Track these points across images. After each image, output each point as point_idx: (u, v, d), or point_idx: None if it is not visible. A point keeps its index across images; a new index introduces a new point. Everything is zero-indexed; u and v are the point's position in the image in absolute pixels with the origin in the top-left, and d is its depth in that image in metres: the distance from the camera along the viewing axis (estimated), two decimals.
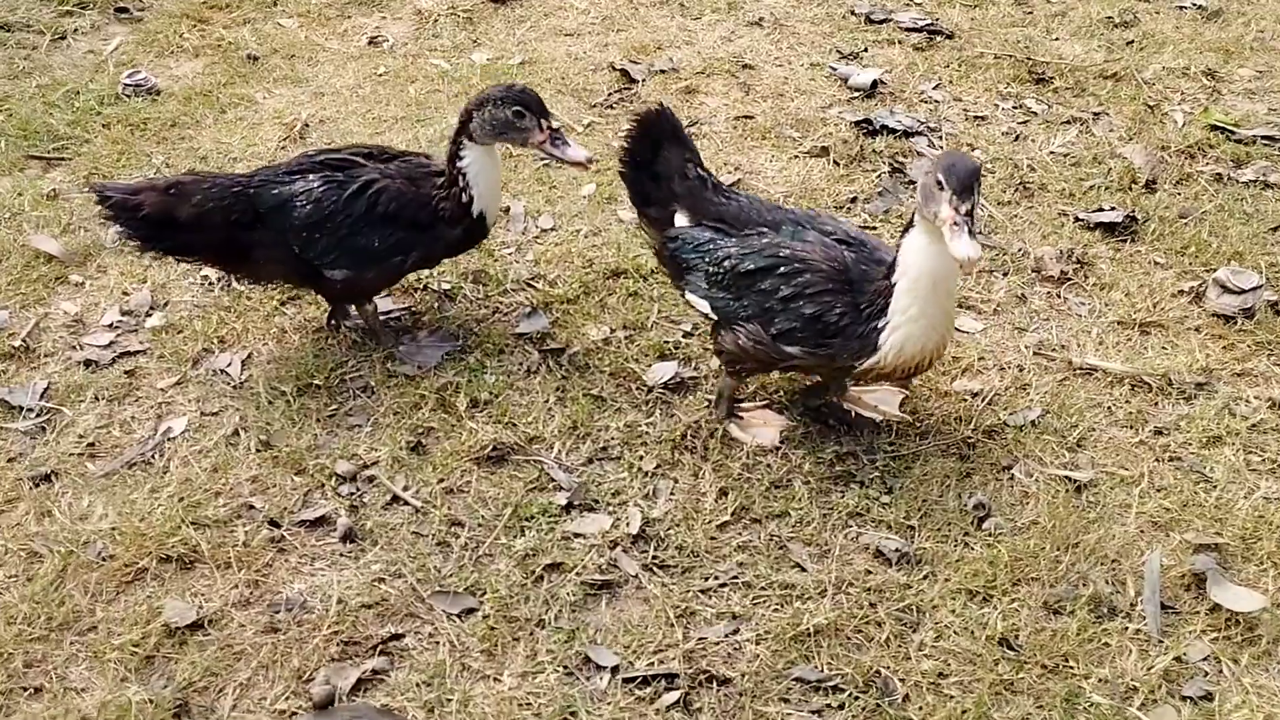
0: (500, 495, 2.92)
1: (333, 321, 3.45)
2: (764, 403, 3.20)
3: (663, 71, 4.86)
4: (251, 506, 2.89)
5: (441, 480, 2.95)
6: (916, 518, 2.88)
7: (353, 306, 3.40)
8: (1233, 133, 4.41)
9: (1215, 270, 3.66)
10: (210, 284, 3.63)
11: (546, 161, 4.12)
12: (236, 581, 2.70)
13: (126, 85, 4.75)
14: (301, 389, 3.22)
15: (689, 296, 3.07)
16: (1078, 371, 3.34)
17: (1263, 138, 4.39)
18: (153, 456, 3.04)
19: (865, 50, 5.01)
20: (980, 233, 2.72)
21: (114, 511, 2.86)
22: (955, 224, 2.56)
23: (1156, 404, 3.25)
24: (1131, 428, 3.17)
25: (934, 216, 2.61)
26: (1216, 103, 4.65)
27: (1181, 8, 5.43)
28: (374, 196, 3.14)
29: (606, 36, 5.14)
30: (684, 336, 3.43)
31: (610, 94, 4.69)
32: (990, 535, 2.83)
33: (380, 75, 4.85)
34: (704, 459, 3.03)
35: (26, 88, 4.72)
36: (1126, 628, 2.61)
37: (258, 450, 3.04)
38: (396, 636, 2.58)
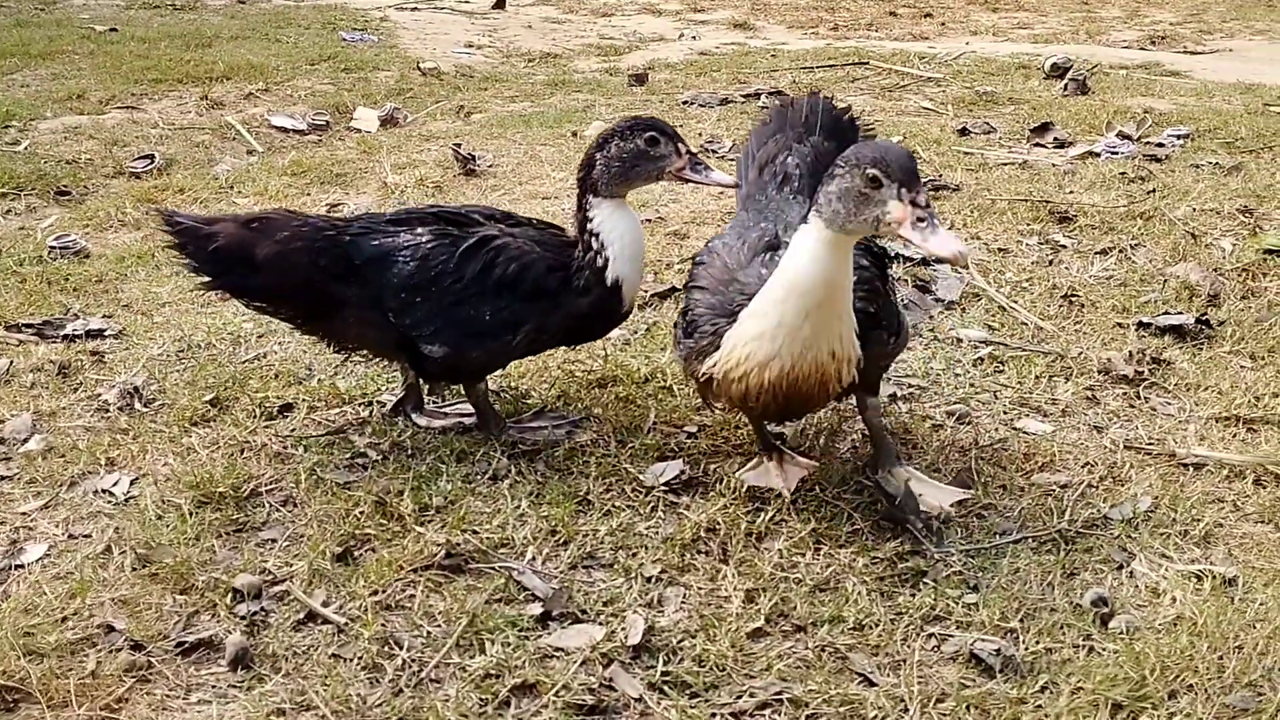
0: (453, 609, 2.16)
1: (402, 410, 2.87)
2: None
3: (649, 220, 4.42)
4: (111, 629, 2.11)
5: (375, 594, 2.20)
6: (1016, 619, 2.13)
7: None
8: None
9: None
10: (107, 408, 2.97)
11: None
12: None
13: (53, 248, 4.26)
14: (202, 502, 2.51)
15: None
16: (1184, 464, 2.67)
17: None
18: None
19: None
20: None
21: None
22: (920, 221, 2.05)
23: None
24: (1269, 522, 2.47)
25: (874, 223, 2.09)
26: (1261, 235, 4.21)
27: (1197, 166, 5.12)
28: (490, 255, 2.61)
29: None
30: (688, 437, 2.76)
31: None
32: (1124, 635, 2.07)
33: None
34: (724, 560, 2.29)
35: None
36: None
37: (132, 569, 2.29)
38: None
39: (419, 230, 2.67)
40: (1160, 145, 5.47)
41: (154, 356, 3.28)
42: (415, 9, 10.67)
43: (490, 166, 5.27)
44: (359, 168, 5.40)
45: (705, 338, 2.36)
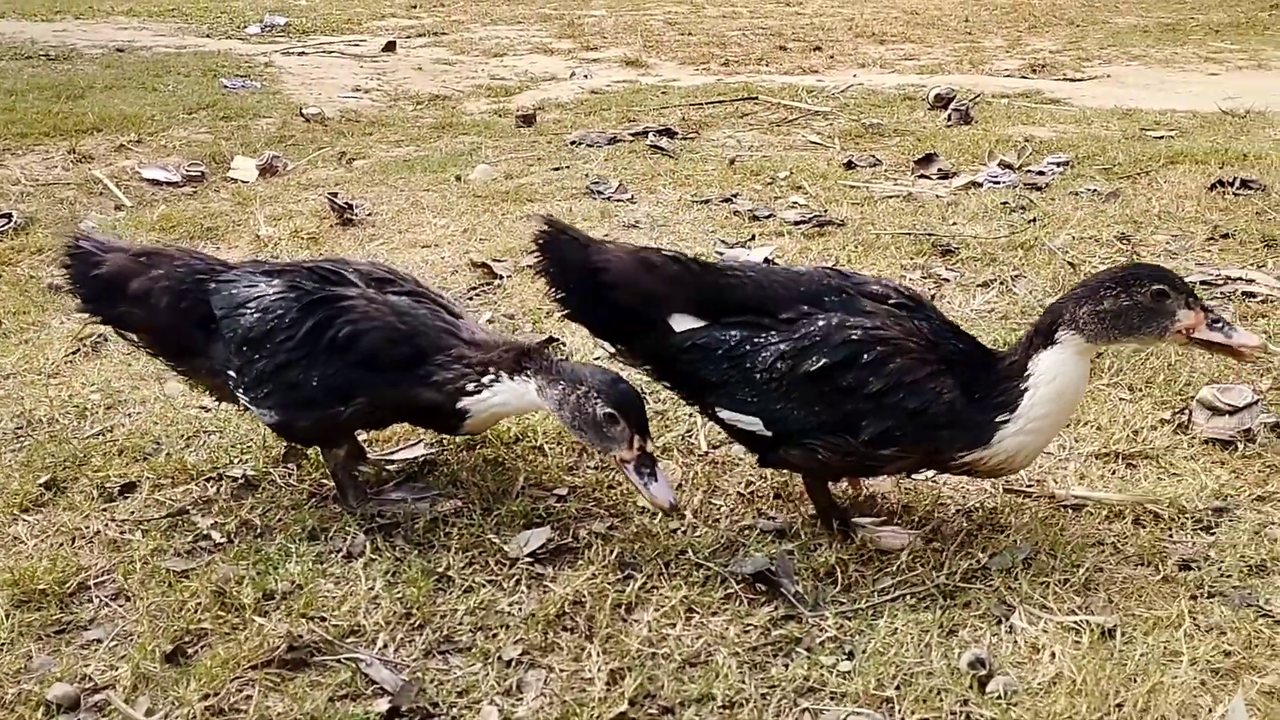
0: (292, 710, 1.99)
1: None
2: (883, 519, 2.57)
3: (531, 267, 4.28)
4: None
5: (206, 697, 2.02)
6: (892, 686, 2.02)
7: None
8: None
9: (1194, 396, 3.04)
10: None
11: None
12: None
13: None
14: (20, 603, 2.30)
15: (725, 415, 2.38)
16: (1063, 506, 2.62)
17: (1201, 283, 3.94)
18: None
19: (753, 239, 4.56)
20: None
21: None
22: (1216, 321, 2.23)
23: (1172, 535, 2.51)
24: (1149, 564, 2.41)
25: (1159, 333, 2.26)
26: (1140, 260, 4.24)
27: (1076, 194, 5.16)
28: (329, 314, 2.43)
29: (468, 244, 4.61)
30: (558, 501, 2.63)
31: (471, 290, 4.08)
32: (1001, 699, 1.98)
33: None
34: (589, 637, 2.16)
35: None
36: None
37: None
38: None
39: (276, 281, 2.54)
40: (1040, 173, 5.52)
41: None
42: (302, 53, 10.47)
43: (369, 215, 5.11)
44: (232, 220, 5.20)
45: (972, 430, 2.30)
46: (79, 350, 3.65)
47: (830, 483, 2.52)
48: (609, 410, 2.27)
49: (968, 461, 2.31)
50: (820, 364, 2.27)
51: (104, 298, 2.65)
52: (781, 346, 2.31)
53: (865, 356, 2.26)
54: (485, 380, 2.42)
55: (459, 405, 2.44)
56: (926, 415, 2.26)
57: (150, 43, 10.89)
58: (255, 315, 2.49)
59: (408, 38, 11.46)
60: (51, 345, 3.72)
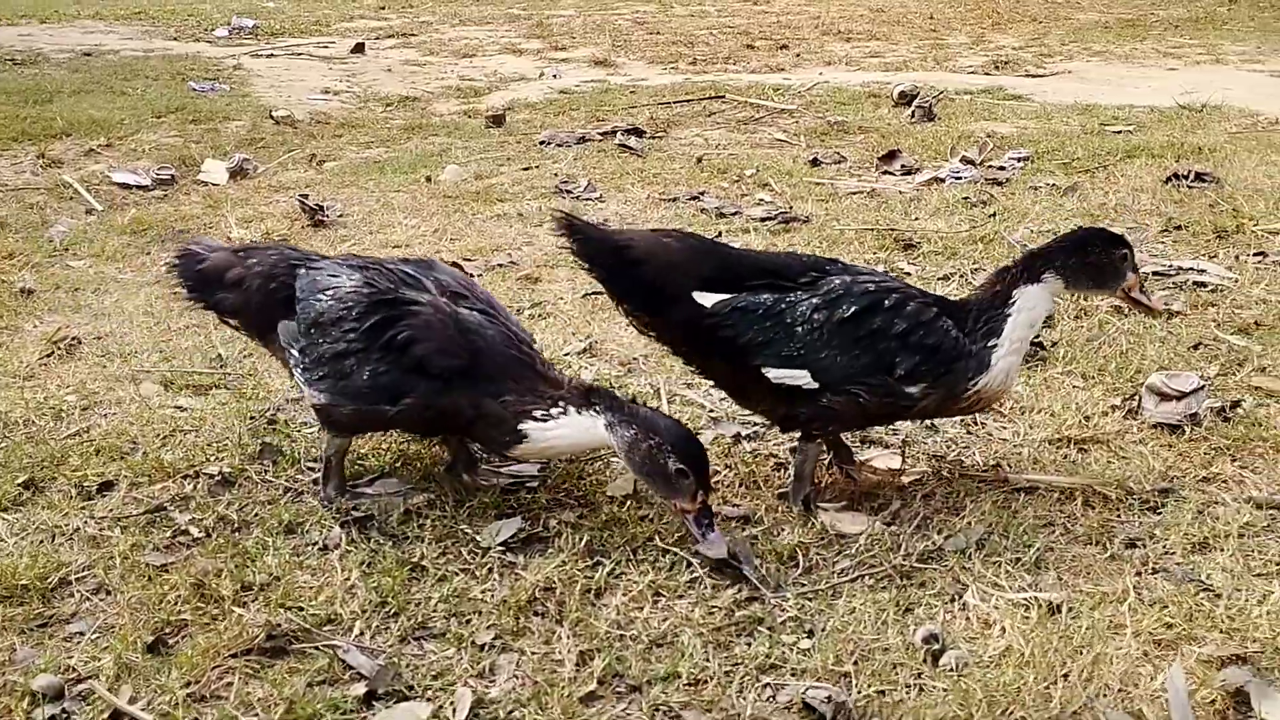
0: (272, 695, 2.06)
1: (455, 472, 2.80)
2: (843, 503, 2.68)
3: (501, 265, 4.37)
4: None
5: (188, 685, 2.08)
6: (850, 662, 2.11)
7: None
8: None
9: (1143, 383, 3.15)
10: None
11: None
12: None
13: None
14: (2, 598, 2.35)
15: (773, 373, 2.53)
16: (1017, 490, 2.71)
17: (1153, 273, 4.05)
18: None
19: (719, 235, 4.64)
20: None
21: None
22: (1142, 286, 2.71)
23: (1120, 515, 2.62)
24: (1097, 543, 2.51)
25: (1112, 288, 2.69)
26: None
27: (1035, 188, 5.28)
28: (392, 317, 2.54)
29: (439, 244, 4.68)
30: (528, 492, 2.70)
31: None
32: (953, 671, 2.08)
33: (177, 295, 4.22)
34: (559, 621, 2.24)
35: None
36: None
37: None
38: None
39: (354, 276, 2.65)
40: (1001, 168, 5.64)
41: None
42: (271, 55, 10.48)
43: (340, 216, 5.17)
44: (204, 223, 5.24)
45: (974, 359, 2.55)
46: (53, 353, 3.69)
47: (841, 440, 2.78)
48: (681, 466, 2.35)
49: (976, 390, 2.56)
50: (851, 310, 2.51)
51: (205, 287, 2.87)
52: (814, 300, 2.54)
53: (886, 302, 2.53)
54: (553, 411, 2.46)
55: (520, 427, 2.47)
56: (942, 351, 2.53)
57: (118, 46, 10.86)
58: (329, 301, 2.61)
59: (377, 39, 11.47)
60: (25, 349, 3.75)
